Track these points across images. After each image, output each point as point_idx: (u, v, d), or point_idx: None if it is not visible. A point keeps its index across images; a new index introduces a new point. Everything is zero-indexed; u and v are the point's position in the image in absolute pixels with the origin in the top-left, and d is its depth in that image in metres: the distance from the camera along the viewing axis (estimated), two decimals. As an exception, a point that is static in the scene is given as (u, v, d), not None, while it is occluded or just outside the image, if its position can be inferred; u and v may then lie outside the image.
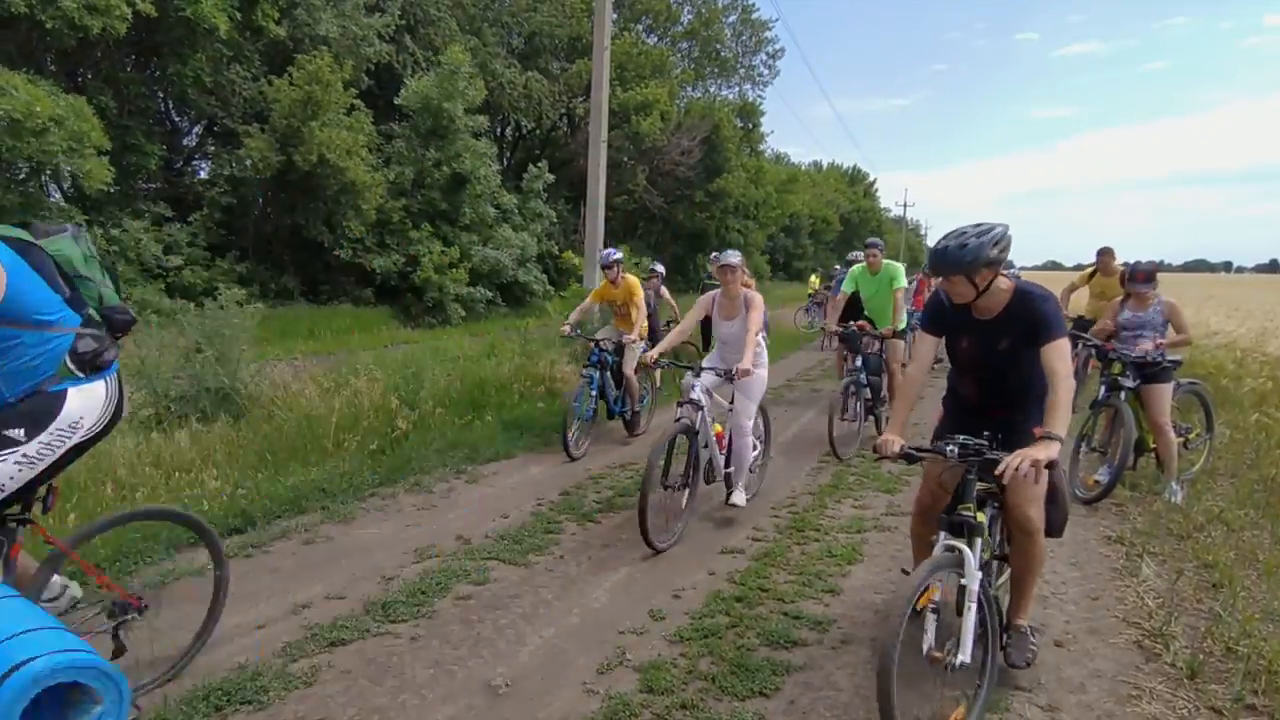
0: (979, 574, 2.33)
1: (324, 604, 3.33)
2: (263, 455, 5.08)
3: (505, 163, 24.56)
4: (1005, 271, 2.62)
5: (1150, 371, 4.89)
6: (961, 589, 2.34)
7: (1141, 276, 5.06)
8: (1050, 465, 2.31)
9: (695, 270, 26.16)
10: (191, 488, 4.41)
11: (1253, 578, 3.70)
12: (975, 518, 2.43)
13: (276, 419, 5.65)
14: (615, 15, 24.09)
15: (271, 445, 5.21)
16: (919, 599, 2.24)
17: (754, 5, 34.61)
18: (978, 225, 2.58)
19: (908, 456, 2.53)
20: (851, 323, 6.59)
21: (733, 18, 34.40)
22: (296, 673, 2.74)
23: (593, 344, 6.34)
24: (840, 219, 49.04)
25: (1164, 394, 4.92)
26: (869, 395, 6.40)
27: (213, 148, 16.47)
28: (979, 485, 2.51)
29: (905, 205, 72.00)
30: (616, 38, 23.89)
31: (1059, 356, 2.47)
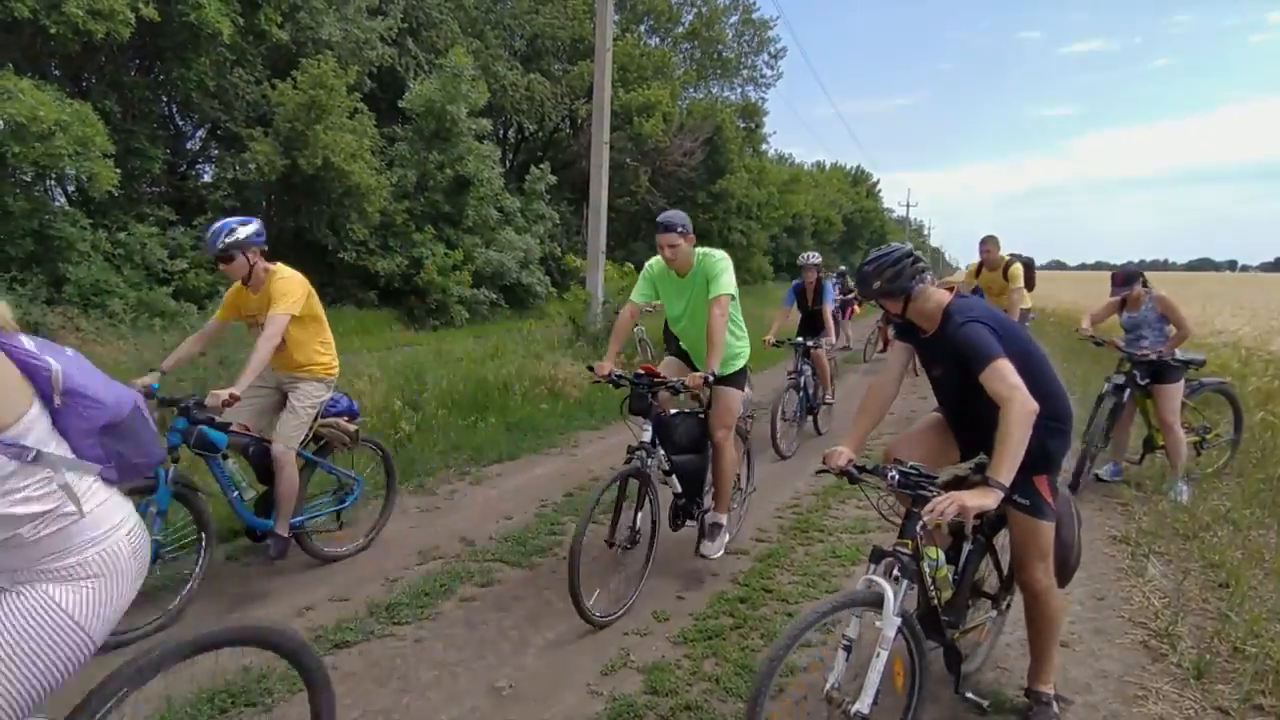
0: (897, 619, 2.05)
1: (327, 606, 3.34)
2: (267, 458, 5.08)
3: (508, 165, 24.59)
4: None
5: (1159, 371, 4.88)
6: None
7: (1119, 279, 5.03)
8: (981, 516, 2.02)
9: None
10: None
11: (1260, 577, 3.68)
12: (916, 558, 2.16)
13: (280, 421, 5.64)
14: (617, 17, 24.13)
15: (275, 448, 5.21)
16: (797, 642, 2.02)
17: (755, 5, 34.70)
18: (880, 250, 2.45)
19: (848, 474, 2.29)
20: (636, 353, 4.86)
21: (734, 18, 34.48)
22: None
23: (184, 410, 3.19)
24: (843, 219, 48.96)
25: (1172, 393, 4.90)
26: (679, 490, 3.64)
27: (216, 151, 16.52)
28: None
29: (908, 206, 71.50)
30: (618, 39, 23.93)
31: (999, 380, 2.12)
